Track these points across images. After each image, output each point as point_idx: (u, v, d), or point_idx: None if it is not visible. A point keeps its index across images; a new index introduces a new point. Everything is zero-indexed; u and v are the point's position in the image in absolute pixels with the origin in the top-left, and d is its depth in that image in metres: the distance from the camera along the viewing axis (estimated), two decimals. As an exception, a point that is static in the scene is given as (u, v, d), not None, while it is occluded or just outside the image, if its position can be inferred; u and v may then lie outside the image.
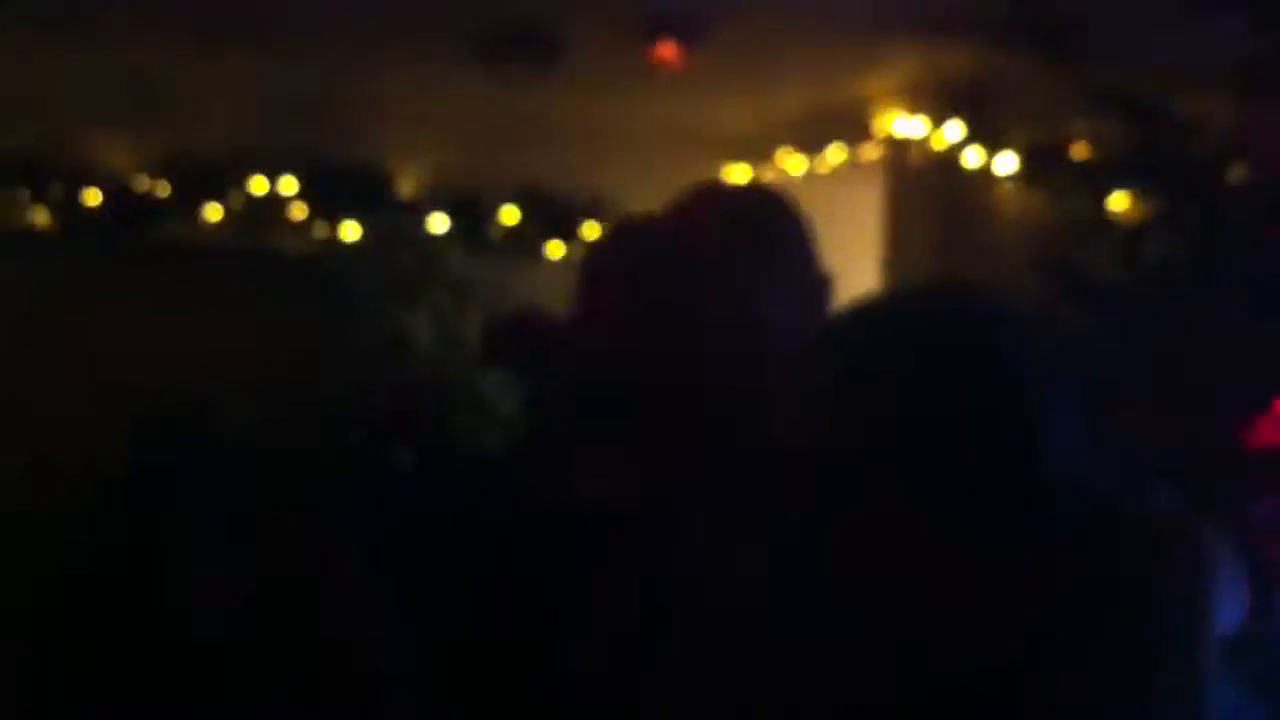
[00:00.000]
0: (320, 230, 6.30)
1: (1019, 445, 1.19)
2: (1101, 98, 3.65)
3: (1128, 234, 4.20)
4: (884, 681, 1.21)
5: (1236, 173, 3.87)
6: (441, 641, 1.57)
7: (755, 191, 1.89)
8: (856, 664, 1.22)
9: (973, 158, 5.44)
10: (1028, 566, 1.17)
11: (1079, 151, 4.79)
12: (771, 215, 1.81)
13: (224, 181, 6.25)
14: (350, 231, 6.29)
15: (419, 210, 6.36)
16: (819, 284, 1.77)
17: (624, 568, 1.59)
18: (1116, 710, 1.12)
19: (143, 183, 6.23)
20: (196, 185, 6.23)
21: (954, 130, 5.48)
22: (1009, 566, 1.18)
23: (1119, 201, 4.53)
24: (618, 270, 1.81)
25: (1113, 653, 1.12)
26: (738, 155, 6.10)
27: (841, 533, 1.23)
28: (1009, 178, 5.31)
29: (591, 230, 6.15)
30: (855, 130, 5.85)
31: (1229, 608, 1.19)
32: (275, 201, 6.29)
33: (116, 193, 6.14)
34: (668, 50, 4.85)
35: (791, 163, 6.15)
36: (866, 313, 1.33)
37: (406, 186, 6.42)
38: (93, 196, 6.14)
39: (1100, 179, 4.62)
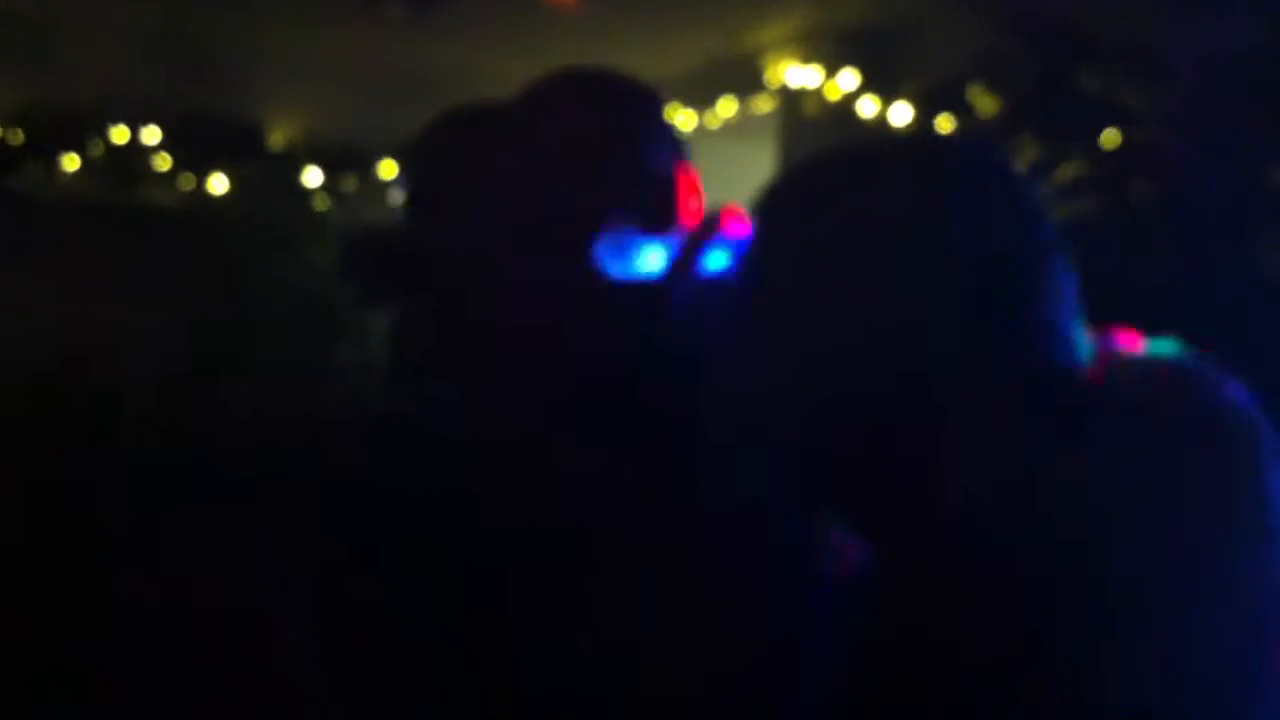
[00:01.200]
0: (187, 182, 6.00)
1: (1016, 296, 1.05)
2: (1015, 22, 3.54)
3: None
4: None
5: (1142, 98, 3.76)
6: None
7: (620, 80, 1.67)
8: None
9: (868, 108, 5.33)
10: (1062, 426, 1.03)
11: (975, 96, 4.69)
12: (637, 107, 1.62)
13: (83, 130, 5.92)
14: (219, 184, 5.99)
15: (293, 162, 6.09)
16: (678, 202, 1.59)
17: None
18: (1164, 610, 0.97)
19: (-6, 130, 5.88)
20: (53, 134, 5.89)
21: (849, 79, 5.36)
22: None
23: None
24: (449, 160, 1.62)
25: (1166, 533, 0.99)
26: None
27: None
28: (905, 127, 5.21)
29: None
30: (747, 82, 5.71)
31: None
32: (138, 152, 5.97)
33: (-34, 140, 5.79)
34: (559, -13, 4.65)
35: (681, 118, 5.99)
36: (830, 164, 1.17)
37: (279, 138, 6.14)
38: (-60, 145, 5.78)
39: (997, 125, 4.53)
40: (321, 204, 6.06)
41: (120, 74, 5.63)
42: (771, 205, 1.18)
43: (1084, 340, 1.10)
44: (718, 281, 1.47)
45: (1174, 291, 3.34)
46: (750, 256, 1.19)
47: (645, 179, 1.53)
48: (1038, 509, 1.03)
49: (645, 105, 1.62)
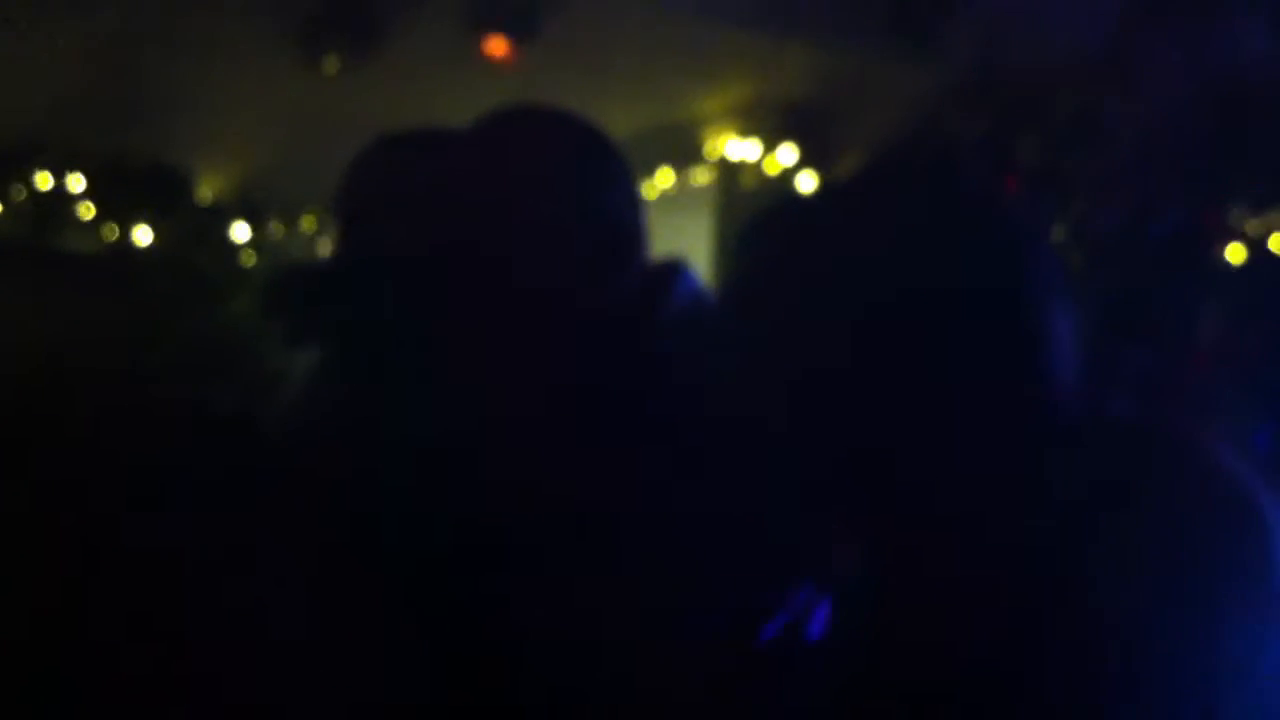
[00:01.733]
0: (110, 233, 5.87)
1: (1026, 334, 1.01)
2: (967, 91, 3.53)
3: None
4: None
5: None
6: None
7: (573, 122, 1.61)
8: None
9: (807, 182, 5.32)
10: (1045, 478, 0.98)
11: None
12: (592, 148, 1.55)
13: (5, 175, 5.78)
14: (144, 235, 5.86)
15: (221, 215, 5.97)
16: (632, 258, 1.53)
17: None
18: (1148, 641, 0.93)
19: (-88, 172, 5.73)
20: (-26, 177, 5.75)
21: (788, 154, 5.35)
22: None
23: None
24: (380, 183, 1.56)
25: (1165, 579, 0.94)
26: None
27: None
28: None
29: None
30: (686, 153, 5.68)
31: None
32: (61, 199, 5.84)
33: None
34: (499, 47, 4.60)
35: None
36: (824, 197, 1.13)
37: (208, 190, 6.03)
38: None
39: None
40: (248, 259, 5.95)
41: (42, 116, 5.50)
42: (766, 231, 1.13)
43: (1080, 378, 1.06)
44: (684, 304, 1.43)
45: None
46: (739, 284, 1.13)
47: (594, 219, 1.47)
48: (1031, 522, 0.98)
49: (600, 148, 1.55)
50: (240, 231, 6.00)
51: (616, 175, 1.54)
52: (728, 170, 5.61)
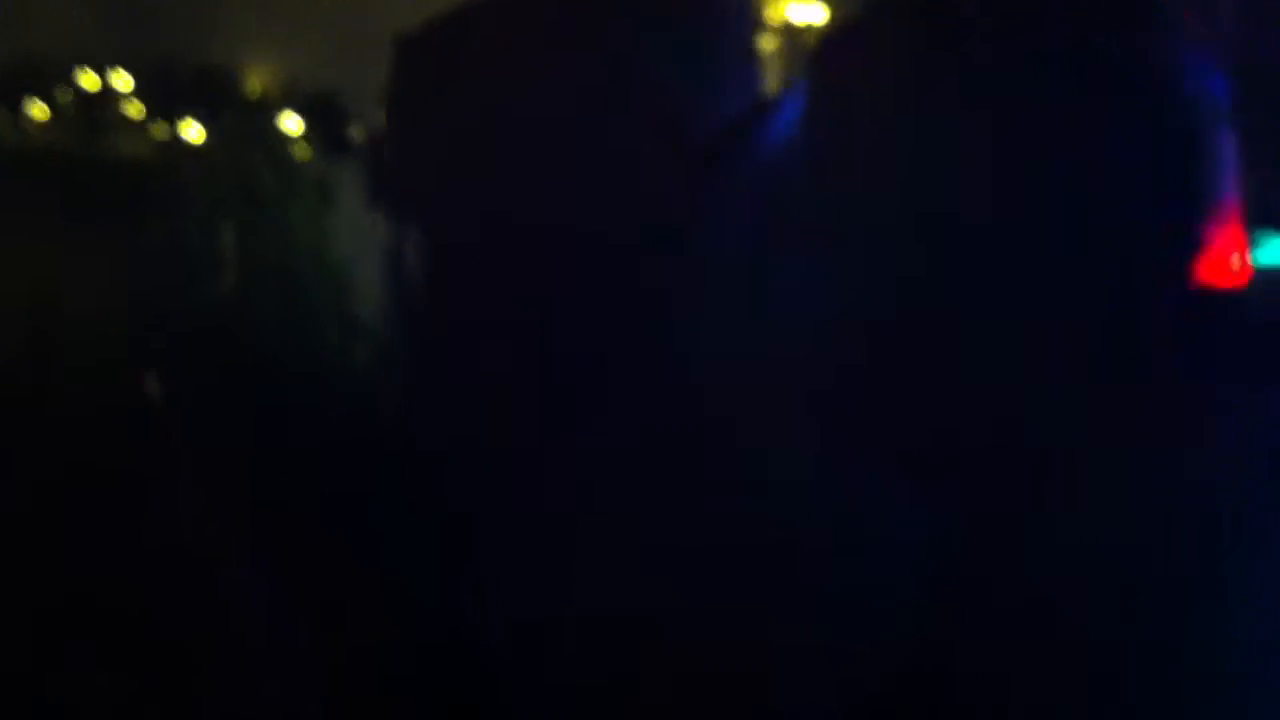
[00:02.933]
0: (160, 131, 5.77)
1: None
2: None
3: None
4: None
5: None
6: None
7: None
8: None
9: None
10: None
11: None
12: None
13: (48, 78, 5.70)
14: (193, 132, 5.75)
15: (270, 110, 5.85)
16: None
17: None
18: None
19: (-44, 78, 5.65)
20: (19, 80, 5.67)
21: (856, 15, 5.12)
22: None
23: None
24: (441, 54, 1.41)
25: None
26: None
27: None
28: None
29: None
30: (748, 20, 5.48)
31: None
32: (108, 99, 5.75)
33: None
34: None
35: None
36: None
37: (256, 84, 5.91)
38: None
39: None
40: (302, 153, 5.84)
41: (85, 16, 5.39)
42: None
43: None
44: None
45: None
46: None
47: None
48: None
49: None
50: (291, 124, 5.87)
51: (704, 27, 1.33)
52: (794, 35, 5.40)
